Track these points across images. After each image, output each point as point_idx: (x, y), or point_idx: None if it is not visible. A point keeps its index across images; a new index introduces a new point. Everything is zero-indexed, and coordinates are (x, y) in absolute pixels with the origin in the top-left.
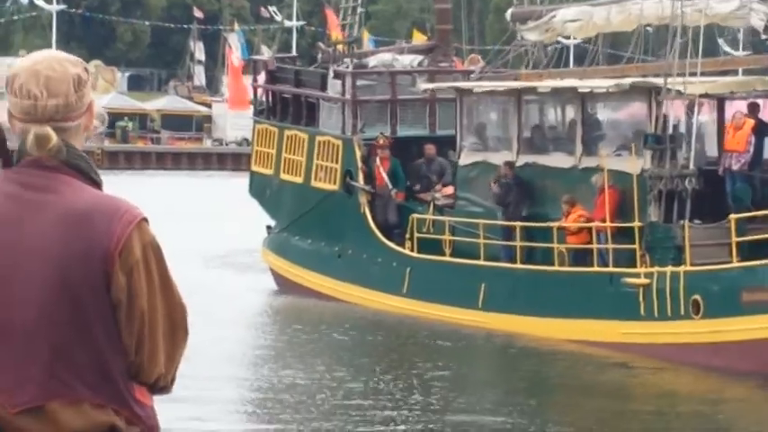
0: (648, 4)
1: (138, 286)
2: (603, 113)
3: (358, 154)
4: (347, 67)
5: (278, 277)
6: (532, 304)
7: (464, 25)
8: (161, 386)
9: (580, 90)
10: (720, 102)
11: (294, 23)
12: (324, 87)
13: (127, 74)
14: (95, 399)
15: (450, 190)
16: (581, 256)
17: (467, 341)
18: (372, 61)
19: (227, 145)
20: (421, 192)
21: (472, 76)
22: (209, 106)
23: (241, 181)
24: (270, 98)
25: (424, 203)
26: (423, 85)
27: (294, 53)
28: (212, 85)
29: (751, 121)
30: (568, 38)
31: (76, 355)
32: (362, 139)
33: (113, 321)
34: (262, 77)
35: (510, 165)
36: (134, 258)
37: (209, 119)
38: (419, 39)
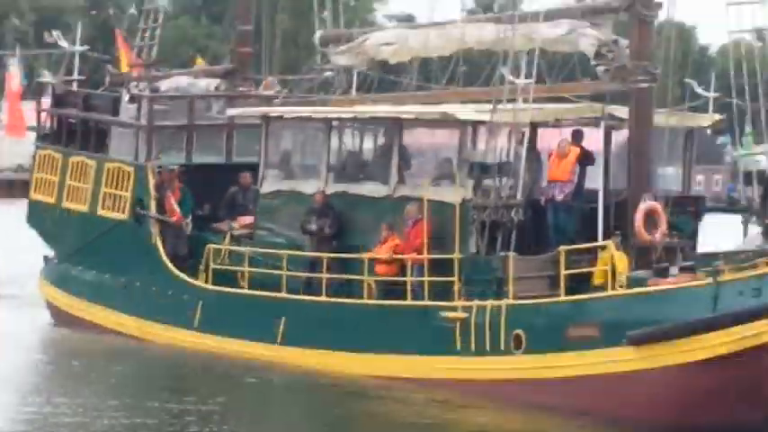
0: (470, 29)
1: None
2: (420, 141)
3: (151, 182)
4: (141, 91)
5: (55, 311)
6: (338, 339)
7: (264, 49)
8: None
9: (399, 117)
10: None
11: (77, 48)
12: (116, 112)
13: None
14: None
15: (247, 220)
16: (391, 290)
17: (260, 376)
18: (165, 85)
19: (2, 172)
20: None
21: (276, 101)
22: None
23: (14, 208)
24: (55, 123)
25: (219, 233)
26: (230, 110)
27: (80, 76)
28: None
29: (576, 150)
30: (383, 63)
31: None
32: (157, 166)
33: None
34: (47, 101)
35: (323, 194)
36: None
37: None
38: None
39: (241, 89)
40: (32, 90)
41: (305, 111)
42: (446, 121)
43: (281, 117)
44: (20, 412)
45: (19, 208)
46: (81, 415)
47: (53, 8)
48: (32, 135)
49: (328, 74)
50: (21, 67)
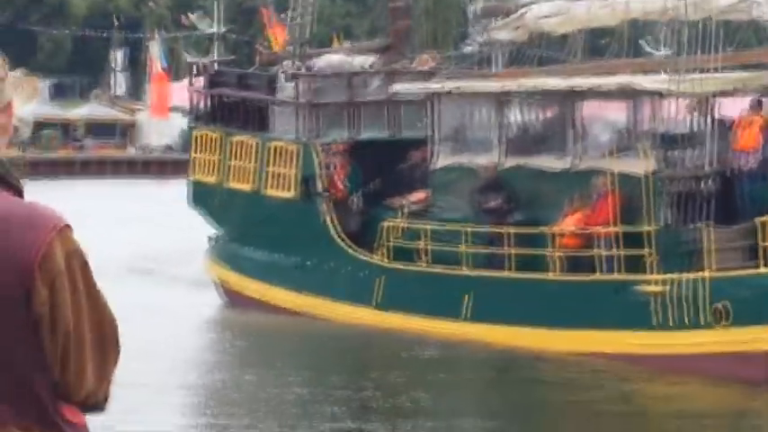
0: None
1: (61, 299)
2: (595, 113)
3: (317, 160)
4: (298, 69)
5: (226, 290)
6: (526, 314)
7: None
8: (92, 404)
9: (578, 89)
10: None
11: (216, 30)
12: (273, 91)
13: (49, 83)
14: (21, 421)
15: (419, 195)
16: (576, 263)
17: (446, 352)
18: (320, 63)
19: (151, 152)
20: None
21: (438, 76)
22: (132, 114)
23: (166, 188)
24: (210, 103)
25: (392, 210)
26: (396, 86)
27: (232, 57)
28: (135, 93)
29: (759, 119)
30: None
31: None
32: (323, 143)
33: (36, 338)
34: (200, 82)
35: (492, 167)
36: (56, 269)
37: (133, 126)
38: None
39: (398, 65)
40: (174, 71)
41: (475, 85)
42: (627, 93)
43: (450, 92)
44: (204, 388)
45: (172, 188)
46: (263, 390)
47: None
48: (176, 116)
49: (480, 48)
50: (161, 50)
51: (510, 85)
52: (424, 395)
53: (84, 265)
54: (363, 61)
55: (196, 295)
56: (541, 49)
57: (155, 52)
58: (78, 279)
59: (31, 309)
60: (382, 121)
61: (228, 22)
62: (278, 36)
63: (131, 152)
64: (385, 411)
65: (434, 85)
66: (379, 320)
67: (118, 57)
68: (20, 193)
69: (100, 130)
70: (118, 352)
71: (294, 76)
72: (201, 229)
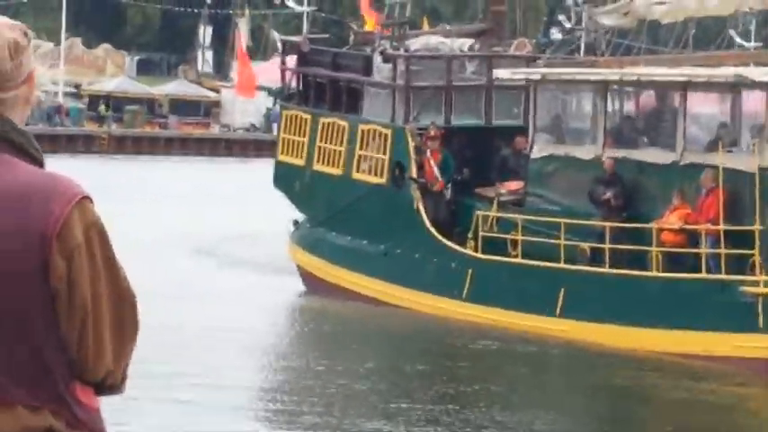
0: None
1: (79, 273)
2: (710, 106)
3: (411, 145)
4: (395, 50)
5: (309, 277)
6: (624, 312)
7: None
8: (109, 385)
9: (688, 80)
10: None
11: (305, 9)
12: (368, 72)
13: (136, 58)
14: (31, 400)
15: (513, 185)
16: (678, 261)
17: (538, 348)
18: (415, 45)
19: (235, 131)
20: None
21: (539, 62)
22: (217, 92)
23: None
24: (301, 83)
25: (483, 199)
26: (497, 72)
27: (325, 35)
28: (221, 71)
29: None
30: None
31: (10, 352)
32: (417, 128)
33: (53, 313)
34: (291, 60)
35: (613, 161)
36: (75, 242)
37: (217, 104)
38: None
39: (496, 49)
40: (262, 50)
41: (579, 72)
42: (741, 84)
43: (553, 79)
44: (283, 375)
45: (255, 167)
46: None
47: None
48: (261, 95)
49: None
50: (249, 28)
51: (616, 73)
52: (506, 389)
53: (104, 238)
54: (461, 44)
55: (277, 280)
56: (643, 38)
57: (243, 30)
58: (97, 252)
59: (49, 282)
60: (478, 107)
61: (317, 2)
62: (371, 15)
63: (215, 130)
64: (462, 402)
65: (538, 72)
66: (467, 313)
67: (206, 34)
68: (40, 165)
69: (184, 107)
70: (136, 330)
71: (392, 57)
72: (284, 212)
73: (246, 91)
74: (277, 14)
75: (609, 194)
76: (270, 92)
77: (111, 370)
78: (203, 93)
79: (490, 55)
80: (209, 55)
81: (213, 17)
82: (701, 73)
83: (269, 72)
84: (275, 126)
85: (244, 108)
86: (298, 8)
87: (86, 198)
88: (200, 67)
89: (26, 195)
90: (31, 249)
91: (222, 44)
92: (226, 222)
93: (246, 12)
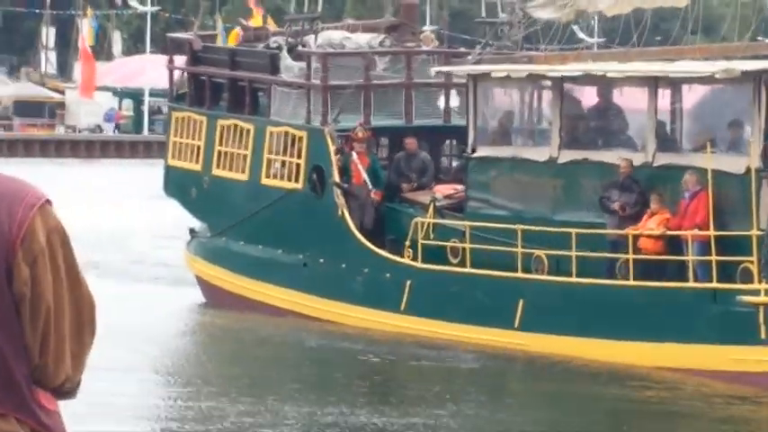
0: None
1: (43, 278)
2: (691, 102)
3: (331, 147)
4: (303, 47)
5: (210, 288)
6: (603, 324)
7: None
8: (67, 390)
9: (667, 74)
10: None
11: (148, 9)
12: (274, 70)
13: None
14: None
15: (446, 189)
16: (655, 270)
17: (496, 363)
18: (319, 40)
19: (79, 132)
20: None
21: (470, 58)
22: (62, 93)
23: (95, 169)
24: (194, 82)
25: (415, 205)
26: (435, 68)
27: (214, 32)
28: (65, 72)
29: None
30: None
31: None
32: (335, 130)
33: (17, 323)
34: (180, 59)
35: (629, 164)
36: (38, 246)
37: (62, 106)
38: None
39: (409, 44)
40: (105, 50)
41: (528, 68)
42: (723, 78)
43: (500, 76)
44: (188, 396)
45: (100, 168)
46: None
47: None
48: (105, 95)
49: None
50: (93, 28)
51: (575, 69)
52: (460, 409)
53: (65, 243)
54: (369, 40)
55: (174, 292)
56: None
57: (85, 30)
58: (59, 256)
59: (12, 289)
60: (398, 107)
61: (161, 2)
62: (259, 11)
63: (60, 132)
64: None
65: (486, 68)
66: (405, 326)
67: (49, 34)
68: None
69: (28, 109)
70: (94, 335)
71: (305, 55)
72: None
73: (88, 91)
74: (119, 14)
75: (618, 203)
76: (114, 92)
77: (70, 375)
78: (47, 94)
79: (409, 51)
80: (53, 56)
81: (56, 18)
82: (676, 68)
83: (113, 72)
84: (110, 126)
85: (89, 109)
86: (141, 8)
87: (48, 202)
88: (43, 69)
89: None
90: None
91: (65, 45)
92: (90, 225)
93: (89, 12)
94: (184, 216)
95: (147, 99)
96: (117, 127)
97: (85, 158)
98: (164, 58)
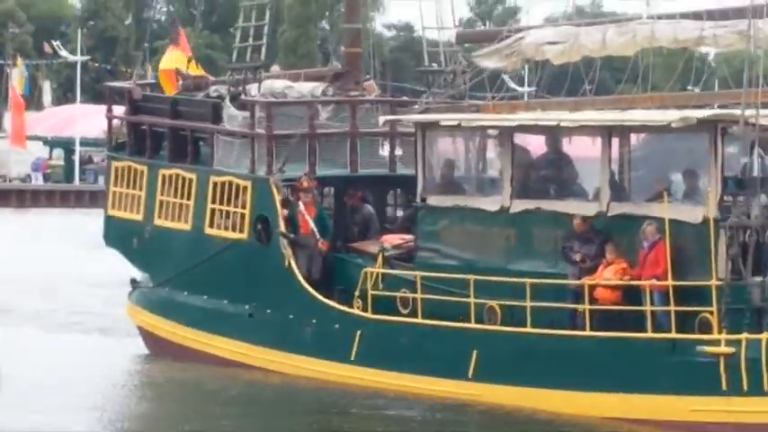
0: (661, 25)
1: None
2: (646, 151)
3: (277, 197)
4: (249, 96)
5: (153, 339)
6: (559, 376)
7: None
8: None
9: (621, 124)
10: None
11: (78, 58)
12: (216, 119)
13: None
14: None
15: (394, 239)
16: (611, 320)
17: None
18: (258, 90)
19: (10, 181)
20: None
21: (416, 107)
22: None
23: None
24: (133, 132)
25: (364, 254)
26: (383, 117)
27: (152, 81)
28: None
29: None
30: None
31: None
32: (282, 179)
33: None
34: (118, 108)
35: (582, 219)
36: None
37: None
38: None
39: (353, 93)
40: (35, 100)
41: (480, 117)
42: (684, 128)
43: (449, 125)
44: None
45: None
46: None
47: (51, 18)
48: (35, 145)
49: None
50: (24, 77)
51: (526, 118)
52: None
53: None
54: (312, 89)
55: (116, 343)
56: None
57: (15, 79)
58: None
59: None
60: (343, 156)
61: (91, 51)
62: (184, 51)
63: None
64: None
65: (432, 117)
66: (354, 377)
67: None
68: None
69: None
70: None
71: (249, 104)
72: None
73: (18, 141)
74: (49, 64)
75: (579, 254)
76: (45, 141)
77: None
78: None
79: (354, 100)
80: None
81: None
82: (631, 116)
83: (43, 122)
84: (37, 175)
85: (19, 158)
86: (71, 57)
87: None
88: None
89: None
90: None
91: None
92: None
93: (19, 61)
94: (122, 265)
95: (78, 148)
96: (46, 177)
97: (17, 208)
98: (94, 108)
